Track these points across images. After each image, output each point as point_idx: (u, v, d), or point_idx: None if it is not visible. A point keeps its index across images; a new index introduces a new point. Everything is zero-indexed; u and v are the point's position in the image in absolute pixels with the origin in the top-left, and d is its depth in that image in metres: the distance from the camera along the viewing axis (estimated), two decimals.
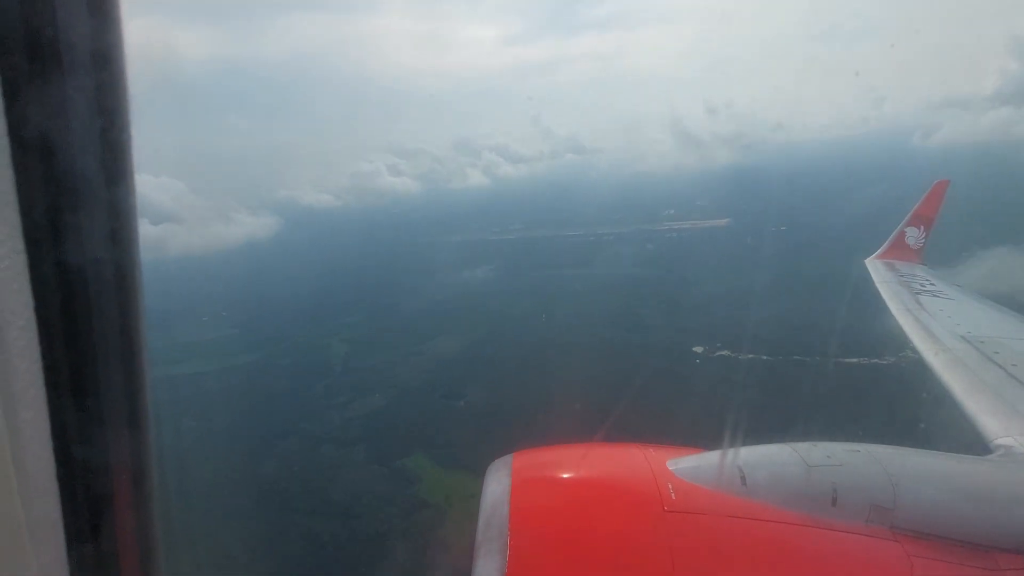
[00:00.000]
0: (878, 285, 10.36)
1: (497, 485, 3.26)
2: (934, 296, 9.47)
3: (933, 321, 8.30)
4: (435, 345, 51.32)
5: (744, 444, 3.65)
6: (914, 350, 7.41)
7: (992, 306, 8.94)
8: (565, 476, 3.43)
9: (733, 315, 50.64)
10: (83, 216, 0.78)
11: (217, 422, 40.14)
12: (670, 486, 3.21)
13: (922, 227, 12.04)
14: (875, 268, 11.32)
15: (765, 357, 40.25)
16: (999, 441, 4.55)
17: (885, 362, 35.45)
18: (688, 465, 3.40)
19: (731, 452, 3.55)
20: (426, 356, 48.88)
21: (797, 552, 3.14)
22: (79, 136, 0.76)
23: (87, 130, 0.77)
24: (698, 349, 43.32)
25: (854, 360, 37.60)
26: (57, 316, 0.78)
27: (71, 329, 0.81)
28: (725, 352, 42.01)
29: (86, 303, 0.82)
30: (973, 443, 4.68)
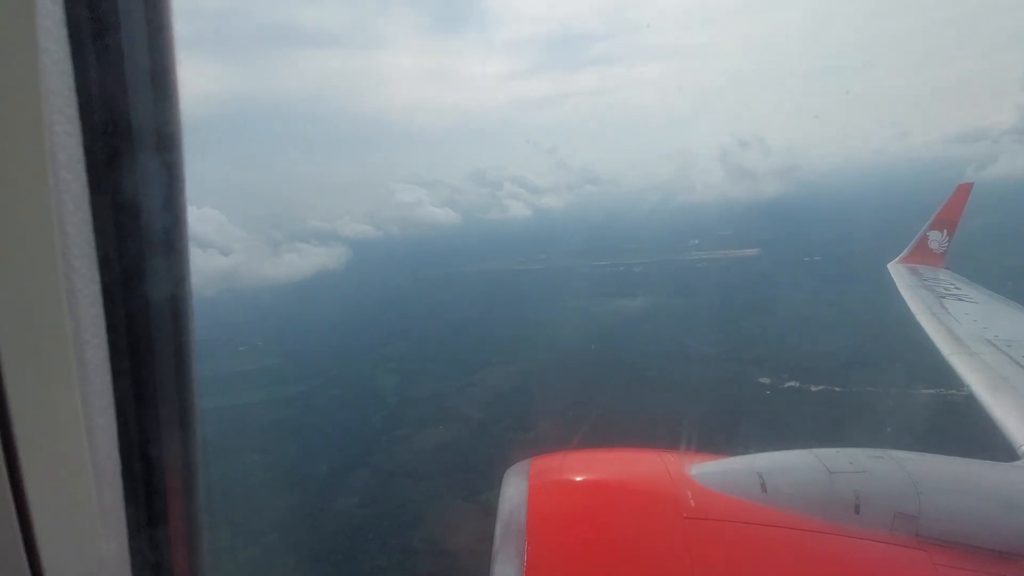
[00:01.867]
0: (901, 289, 10.14)
1: (515, 490, 3.22)
2: (959, 300, 9.27)
3: (958, 325, 8.10)
4: (486, 375, 50.81)
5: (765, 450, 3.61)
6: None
7: (1021, 309, 8.74)
8: (583, 481, 3.40)
9: (788, 345, 50.19)
10: (145, 251, 0.96)
11: (282, 454, 39.53)
12: (689, 492, 3.16)
13: (945, 231, 11.81)
14: (897, 272, 11.09)
15: (837, 389, 39.62)
16: None
17: (965, 393, 34.82)
18: (707, 471, 3.35)
19: (751, 458, 3.49)
20: (481, 387, 48.35)
21: (819, 560, 3.05)
22: (143, 186, 0.93)
23: (150, 181, 0.94)
24: (764, 380, 42.70)
25: (931, 391, 37.02)
26: (123, 336, 0.95)
27: (134, 347, 0.98)
28: (794, 383, 41.39)
29: (147, 325, 1.00)
30: (1000, 449, 4.58)
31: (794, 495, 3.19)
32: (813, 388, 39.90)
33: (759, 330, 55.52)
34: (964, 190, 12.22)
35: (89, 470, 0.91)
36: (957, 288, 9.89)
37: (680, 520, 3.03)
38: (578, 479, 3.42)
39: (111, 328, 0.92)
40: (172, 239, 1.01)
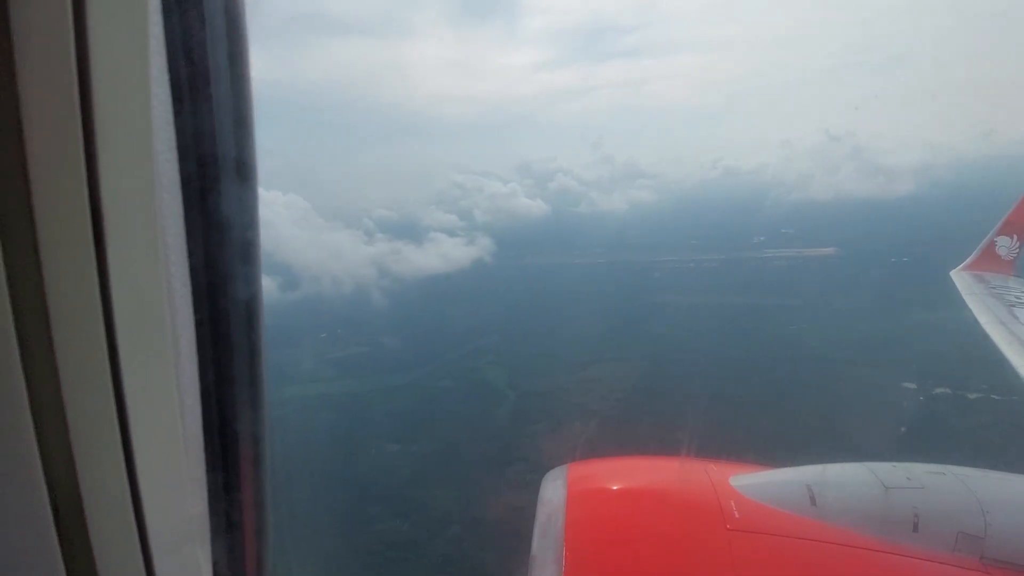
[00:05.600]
0: (965, 297, 9.65)
1: (553, 496, 3.19)
2: None
3: None
4: (601, 371, 50.08)
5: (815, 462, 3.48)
6: None
7: None
8: (622, 489, 3.35)
9: (909, 348, 48.80)
10: (226, 260, 1.14)
11: (422, 446, 39.44)
12: (733, 503, 3.07)
13: (1015, 236, 11.05)
14: (962, 280, 10.46)
15: (996, 397, 38.20)
16: None
17: None
18: (753, 482, 3.26)
19: (798, 470, 3.40)
20: (602, 383, 47.64)
21: None
22: (225, 206, 1.10)
23: (231, 202, 1.11)
24: (910, 385, 41.44)
25: None
26: (207, 331, 1.12)
27: (216, 340, 1.15)
28: (944, 389, 40.08)
29: (227, 322, 1.17)
30: None
31: (846, 510, 3.06)
32: (970, 396, 38.45)
33: (872, 331, 54.14)
34: None
35: (181, 442, 1.07)
36: None
37: (723, 531, 2.91)
38: (616, 487, 3.37)
39: (198, 324, 1.09)
40: (248, 251, 1.18)
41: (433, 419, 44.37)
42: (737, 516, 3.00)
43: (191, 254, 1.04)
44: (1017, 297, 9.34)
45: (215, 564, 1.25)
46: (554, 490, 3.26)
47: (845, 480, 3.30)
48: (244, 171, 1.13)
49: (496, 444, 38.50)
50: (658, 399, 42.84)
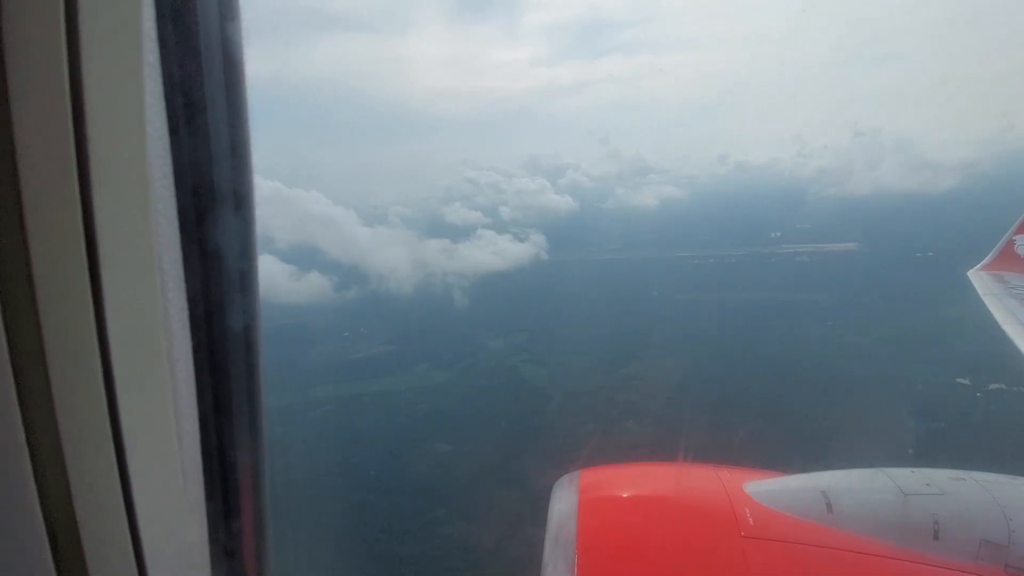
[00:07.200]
0: (984, 298, 9.47)
1: (564, 503, 3.14)
2: None
3: None
4: (641, 370, 49.71)
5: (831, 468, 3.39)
6: None
7: None
8: (634, 496, 3.31)
9: (953, 343, 48.43)
10: (223, 288, 1.13)
11: (478, 447, 38.91)
12: (747, 510, 3.02)
13: None
14: (980, 280, 10.20)
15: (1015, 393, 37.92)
16: None
17: None
18: (767, 489, 3.20)
19: (813, 476, 3.33)
20: (645, 381, 47.18)
21: None
22: (222, 235, 1.10)
23: (228, 231, 1.11)
24: (964, 381, 41.11)
25: None
26: (205, 358, 1.11)
27: (214, 367, 1.14)
28: (999, 385, 39.75)
29: (224, 350, 1.16)
30: None
31: (864, 516, 2.98)
32: (987, 398, 38.12)
33: (912, 326, 53.90)
34: None
35: (179, 469, 1.07)
36: None
37: (737, 539, 2.86)
38: (628, 494, 3.34)
39: (196, 351, 1.09)
40: (245, 279, 1.18)
41: (473, 420, 43.80)
42: (751, 523, 2.94)
43: (187, 280, 1.04)
44: None
45: None
46: (565, 497, 3.19)
47: (862, 486, 3.24)
48: (240, 200, 1.13)
49: (553, 446, 37.92)
50: (712, 398, 42.53)
